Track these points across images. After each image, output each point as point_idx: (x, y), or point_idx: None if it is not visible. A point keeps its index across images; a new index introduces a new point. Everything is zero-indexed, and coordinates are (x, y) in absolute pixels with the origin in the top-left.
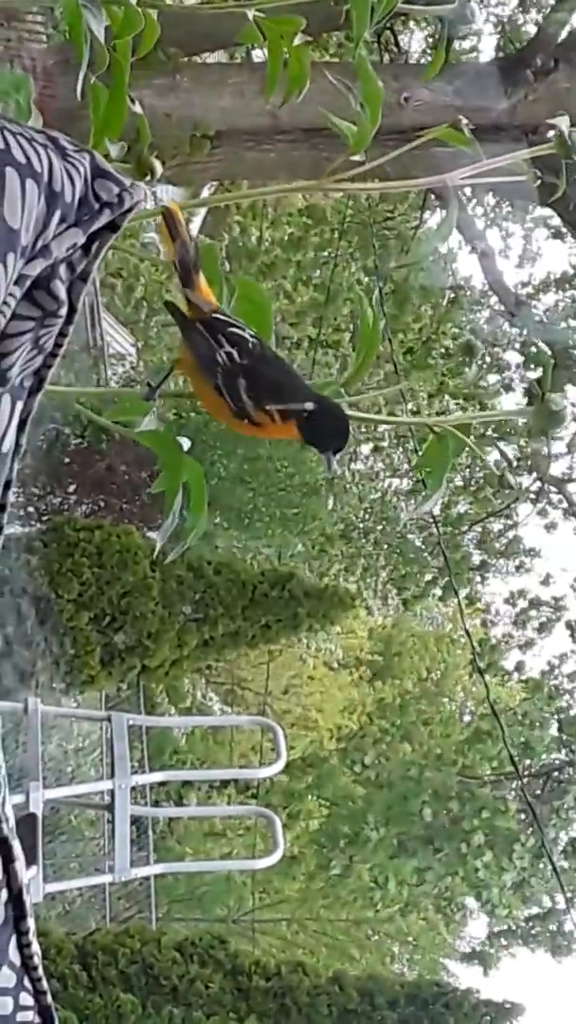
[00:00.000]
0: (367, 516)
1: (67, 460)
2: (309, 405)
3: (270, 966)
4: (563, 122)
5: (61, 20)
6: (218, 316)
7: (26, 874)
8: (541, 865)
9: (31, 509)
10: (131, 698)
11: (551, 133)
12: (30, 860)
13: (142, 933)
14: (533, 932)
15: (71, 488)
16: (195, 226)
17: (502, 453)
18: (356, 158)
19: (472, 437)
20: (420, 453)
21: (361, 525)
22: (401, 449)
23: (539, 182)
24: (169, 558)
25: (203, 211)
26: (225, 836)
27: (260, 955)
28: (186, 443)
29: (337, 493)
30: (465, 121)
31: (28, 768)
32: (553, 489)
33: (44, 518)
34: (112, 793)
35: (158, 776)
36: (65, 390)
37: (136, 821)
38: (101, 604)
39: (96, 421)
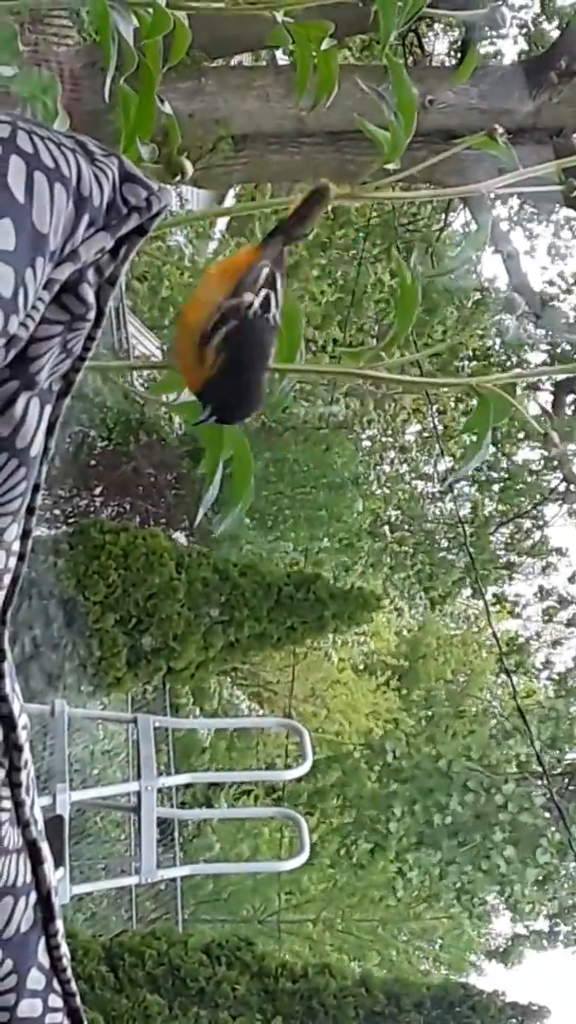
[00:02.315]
0: (395, 514)
1: (93, 462)
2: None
3: (296, 968)
4: None
5: (88, 23)
6: (276, 278)
7: (54, 876)
8: (566, 863)
9: (57, 511)
10: (157, 700)
11: None
12: (57, 862)
13: (169, 935)
14: (558, 930)
15: (97, 490)
16: (221, 225)
17: (543, 408)
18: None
19: (500, 433)
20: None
21: (389, 522)
22: (426, 452)
23: (574, 194)
24: (216, 532)
25: (230, 204)
26: (253, 836)
27: (287, 957)
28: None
29: (364, 495)
30: (501, 130)
31: (55, 770)
32: None
33: (71, 520)
34: (139, 795)
35: (184, 778)
36: (107, 364)
37: (162, 823)
38: (127, 606)
39: (139, 396)
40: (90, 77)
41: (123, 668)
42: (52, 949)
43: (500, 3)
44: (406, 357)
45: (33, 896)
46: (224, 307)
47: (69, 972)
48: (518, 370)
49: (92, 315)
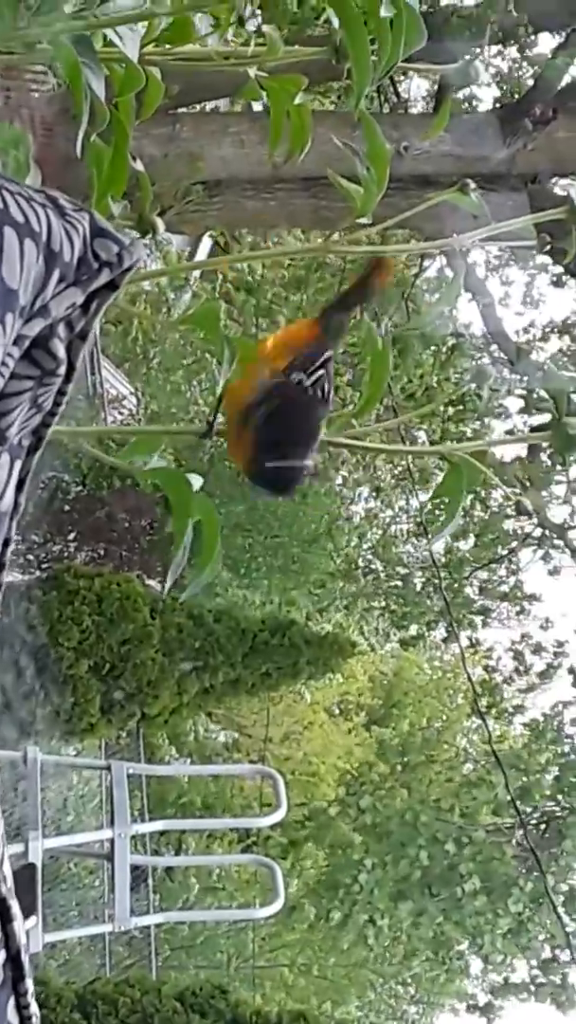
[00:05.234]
0: (368, 556)
1: (67, 508)
2: (308, 463)
3: (271, 1016)
4: (574, 190)
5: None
6: (330, 359)
7: (24, 933)
8: (538, 917)
9: (31, 557)
10: (131, 745)
11: (551, 183)
12: (30, 911)
13: (142, 982)
14: (536, 984)
15: (71, 536)
16: (196, 273)
17: (517, 478)
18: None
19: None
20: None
21: (362, 564)
22: (400, 490)
23: (548, 247)
24: (181, 599)
25: (206, 249)
26: (224, 887)
27: (261, 1004)
28: (197, 481)
29: (336, 535)
30: (472, 184)
31: (28, 817)
32: (554, 535)
33: (44, 565)
34: (112, 842)
35: (158, 825)
36: (74, 430)
37: (136, 870)
38: (101, 652)
39: (105, 461)
40: (64, 123)
41: (97, 714)
42: (21, 1009)
43: (474, 58)
44: (379, 424)
45: (2, 954)
46: (268, 384)
47: None
48: (489, 438)
49: (63, 370)
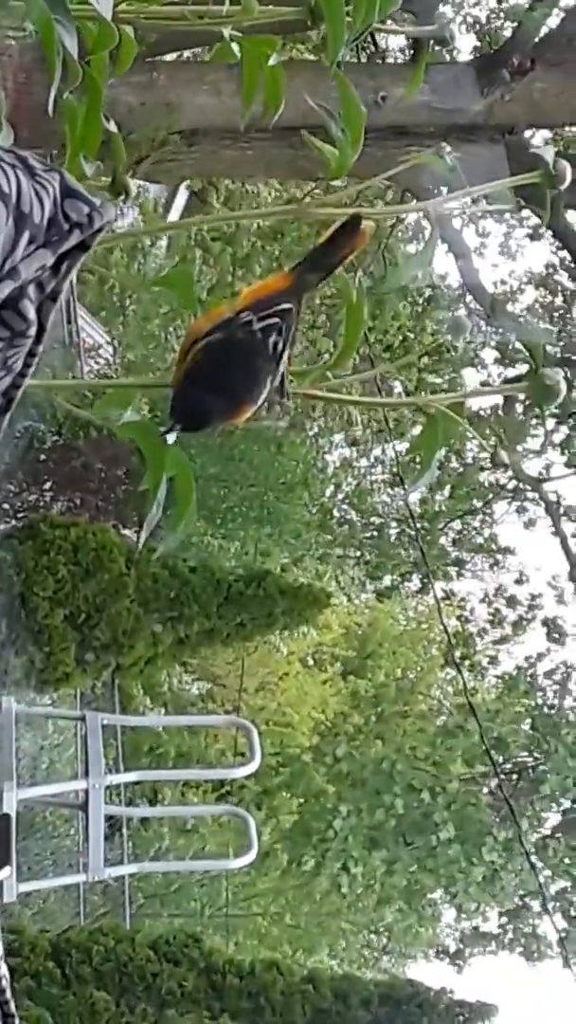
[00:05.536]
0: (344, 507)
1: (43, 457)
2: (227, 407)
3: (244, 965)
4: (547, 152)
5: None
6: (288, 313)
7: None
8: (511, 864)
9: (6, 506)
10: (106, 695)
11: (528, 135)
12: (4, 861)
13: (116, 931)
14: (506, 933)
15: (47, 485)
16: (174, 214)
17: (493, 431)
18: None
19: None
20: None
21: (337, 514)
22: (376, 440)
23: (522, 210)
24: (156, 555)
25: (183, 198)
26: (198, 832)
27: (234, 953)
28: (172, 436)
29: (311, 485)
30: (448, 148)
31: (2, 768)
32: (528, 488)
33: (19, 515)
34: (87, 792)
35: (132, 776)
36: (47, 383)
37: (110, 819)
38: (76, 602)
39: (79, 415)
40: (41, 71)
41: (71, 664)
42: None
43: (450, 20)
44: (354, 375)
45: None
46: (219, 320)
47: (8, 994)
48: (466, 389)
49: (33, 331)
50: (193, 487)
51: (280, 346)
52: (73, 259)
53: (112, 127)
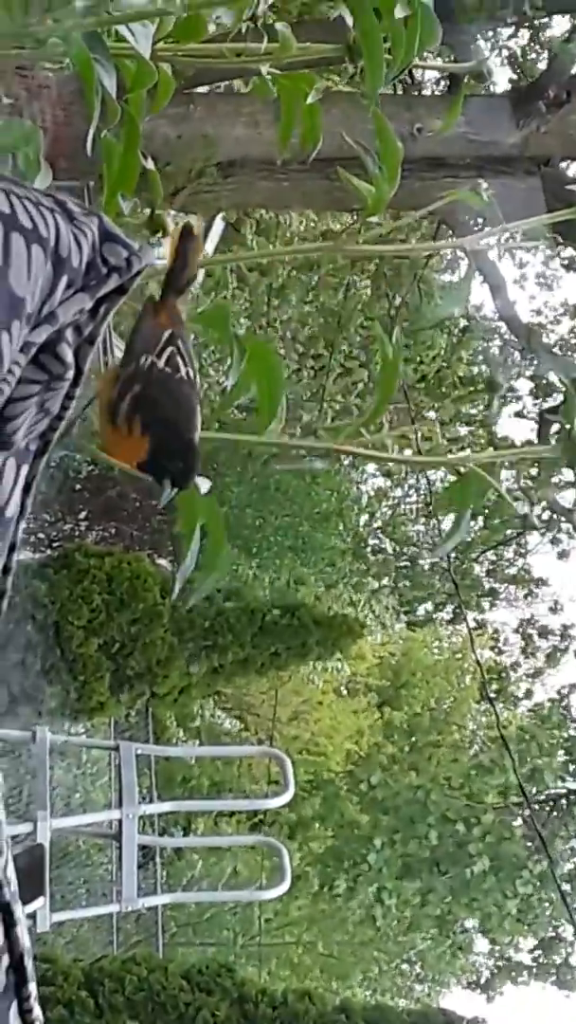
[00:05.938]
0: (378, 535)
1: (78, 487)
2: (191, 439)
3: (276, 994)
4: None
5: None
6: (177, 336)
7: (27, 937)
8: (545, 894)
9: (42, 536)
10: (140, 724)
11: (564, 166)
12: (38, 891)
13: (149, 960)
14: (539, 963)
15: (82, 515)
16: (211, 245)
17: (525, 493)
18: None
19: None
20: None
21: (371, 543)
22: (410, 470)
23: (559, 246)
24: (188, 604)
25: (219, 229)
26: (231, 852)
27: (266, 982)
28: (205, 485)
29: (345, 514)
30: (484, 185)
31: (36, 797)
32: (563, 519)
33: (55, 545)
34: (120, 822)
35: (166, 806)
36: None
37: (144, 848)
38: (111, 631)
39: (104, 461)
40: (79, 103)
41: (106, 693)
42: (24, 1013)
43: (487, 57)
44: (385, 432)
45: (6, 960)
46: (123, 376)
47: None
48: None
49: (71, 375)
50: (224, 536)
51: (191, 366)
52: (111, 303)
53: (149, 164)
